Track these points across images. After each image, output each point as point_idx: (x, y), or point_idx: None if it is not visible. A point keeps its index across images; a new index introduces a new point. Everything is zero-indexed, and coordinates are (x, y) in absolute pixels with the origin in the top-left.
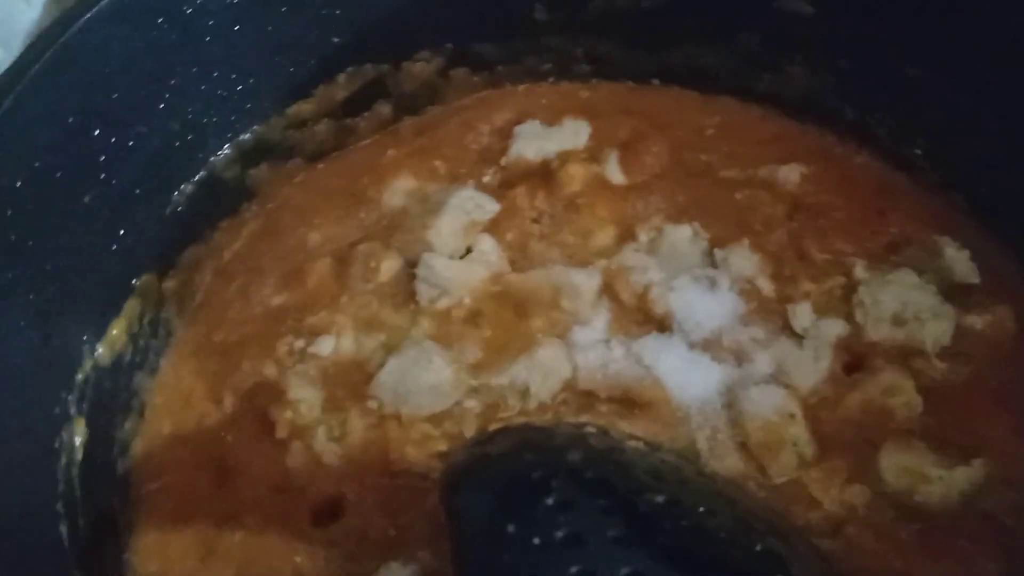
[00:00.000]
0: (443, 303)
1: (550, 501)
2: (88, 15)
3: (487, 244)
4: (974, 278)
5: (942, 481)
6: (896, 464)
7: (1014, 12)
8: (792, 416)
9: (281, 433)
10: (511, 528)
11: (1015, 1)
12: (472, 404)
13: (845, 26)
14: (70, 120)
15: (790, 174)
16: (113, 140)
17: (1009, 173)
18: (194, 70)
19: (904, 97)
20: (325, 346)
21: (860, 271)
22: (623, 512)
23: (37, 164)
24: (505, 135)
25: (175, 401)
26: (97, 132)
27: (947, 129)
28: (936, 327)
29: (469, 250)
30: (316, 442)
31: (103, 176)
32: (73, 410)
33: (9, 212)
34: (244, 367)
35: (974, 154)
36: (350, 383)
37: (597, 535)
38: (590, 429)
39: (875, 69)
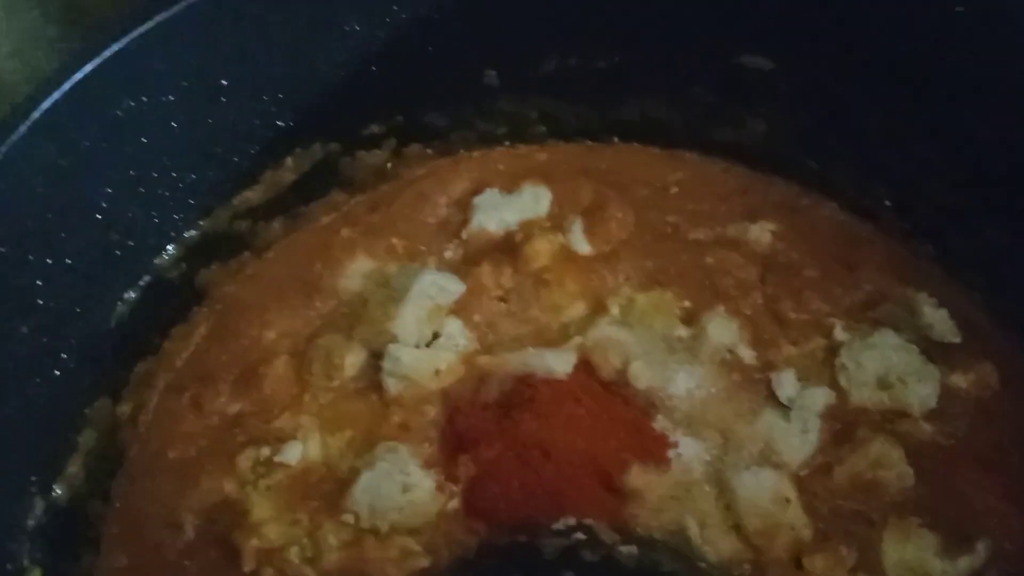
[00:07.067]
0: (412, 393)
1: None
2: (12, 138)
3: (454, 327)
4: (955, 337)
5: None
6: (899, 559)
7: (968, 63)
8: (788, 500)
9: (248, 565)
10: None
11: (968, 53)
12: (455, 504)
13: (804, 79)
14: (2, 250)
15: (761, 234)
16: (49, 262)
17: (975, 221)
18: (131, 173)
19: (864, 147)
20: (291, 454)
21: (840, 332)
22: None
23: None
24: (463, 205)
25: (129, 530)
26: (31, 258)
27: (910, 178)
28: (921, 389)
29: (436, 335)
30: (288, 567)
31: (40, 302)
32: (27, 561)
33: None
34: (203, 485)
35: (940, 203)
36: (321, 492)
37: None
38: (579, 536)
39: (834, 120)
